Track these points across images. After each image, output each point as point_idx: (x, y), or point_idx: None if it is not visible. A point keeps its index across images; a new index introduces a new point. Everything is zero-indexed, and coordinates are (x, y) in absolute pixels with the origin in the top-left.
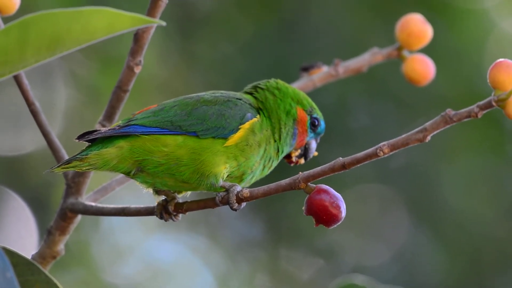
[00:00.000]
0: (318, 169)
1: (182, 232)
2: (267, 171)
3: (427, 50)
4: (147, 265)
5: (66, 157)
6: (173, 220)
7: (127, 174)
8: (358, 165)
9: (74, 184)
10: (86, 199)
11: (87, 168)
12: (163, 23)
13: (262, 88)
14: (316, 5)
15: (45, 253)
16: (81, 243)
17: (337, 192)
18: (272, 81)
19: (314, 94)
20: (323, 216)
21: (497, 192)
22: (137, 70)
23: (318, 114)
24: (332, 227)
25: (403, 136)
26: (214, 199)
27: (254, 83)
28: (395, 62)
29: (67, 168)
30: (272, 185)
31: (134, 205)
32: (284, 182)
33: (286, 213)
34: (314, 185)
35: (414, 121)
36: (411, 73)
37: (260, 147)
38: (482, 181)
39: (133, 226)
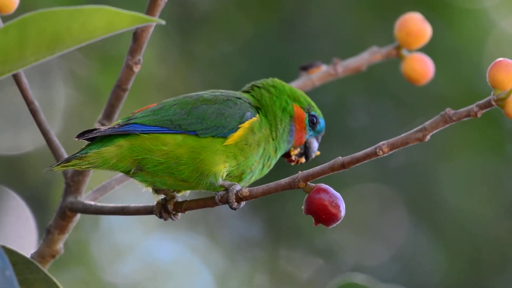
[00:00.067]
0: (318, 168)
1: (182, 231)
2: (266, 170)
3: (426, 49)
4: (146, 264)
5: (66, 155)
6: (172, 219)
7: (127, 173)
8: (358, 164)
9: (74, 183)
10: (86, 198)
11: (86, 166)
12: (162, 22)
13: (258, 87)
14: (316, 5)
15: (44, 252)
16: (81, 242)
17: (337, 191)
18: (269, 79)
19: (313, 93)
20: (323, 215)
21: (497, 192)
22: (136, 69)
23: (316, 111)
24: (331, 227)
25: (403, 135)
26: (214, 198)
27: (253, 82)
28: (394, 61)
29: (67, 166)
30: (272, 184)
31: (133, 204)
32: (283, 181)
33: (286, 213)
34: (313, 184)
35: (413, 120)
36: (410, 72)
37: (259, 147)
38: (482, 180)
39: (132, 225)
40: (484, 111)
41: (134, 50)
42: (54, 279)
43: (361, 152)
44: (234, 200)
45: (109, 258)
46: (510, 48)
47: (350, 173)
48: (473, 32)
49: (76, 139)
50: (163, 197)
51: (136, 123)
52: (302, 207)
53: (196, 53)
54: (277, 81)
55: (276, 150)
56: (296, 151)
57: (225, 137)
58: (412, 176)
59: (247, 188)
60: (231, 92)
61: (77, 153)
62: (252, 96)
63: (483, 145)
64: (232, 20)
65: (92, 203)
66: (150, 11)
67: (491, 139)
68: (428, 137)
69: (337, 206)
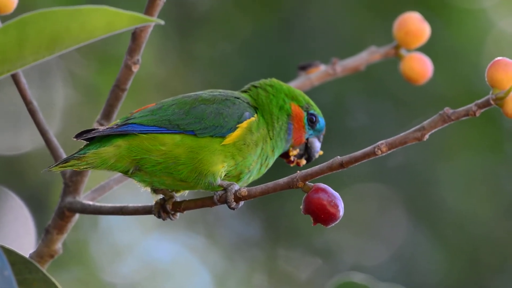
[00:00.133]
0: (316, 167)
1: (180, 231)
2: (264, 170)
3: (425, 49)
4: (145, 264)
5: (64, 156)
6: (171, 219)
7: (125, 173)
8: (356, 164)
9: (72, 183)
10: (84, 198)
11: (85, 167)
12: (161, 22)
13: (256, 86)
14: (315, 5)
15: (43, 252)
16: (79, 242)
17: (335, 191)
18: (268, 79)
19: (311, 93)
20: (321, 215)
21: (496, 191)
22: (135, 69)
23: (315, 110)
24: (330, 226)
25: (401, 134)
26: (212, 198)
27: (251, 83)
28: (393, 61)
29: (65, 167)
30: (270, 184)
31: (132, 204)
32: (282, 181)
33: (284, 212)
34: (312, 184)
35: (412, 120)
36: (409, 72)
37: (257, 146)
38: (481, 180)
39: (131, 225)
40: (482, 110)
41: (133, 50)
42: (53, 279)
43: (359, 152)
44: (233, 200)
45: (108, 258)
46: (509, 47)
47: (348, 173)
48: (472, 32)
49: (75, 139)
50: (161, 197)
51: (135, 123)
52: (301, 206)
53: (195, 53)
54: (274, 80)
55: (273, 149)
56: (295, 152)
57: (223, 137)
58: (411, 175)
59: (246, 188)
60: (230, 92)
61: (75, 153)
62: (250, 96)
63: (482, 144)
64: (231, 20)
65: (91, 203)
66: (149, 11)
67: (490, 139)
68: (426, 136)
69: (336, 206)
